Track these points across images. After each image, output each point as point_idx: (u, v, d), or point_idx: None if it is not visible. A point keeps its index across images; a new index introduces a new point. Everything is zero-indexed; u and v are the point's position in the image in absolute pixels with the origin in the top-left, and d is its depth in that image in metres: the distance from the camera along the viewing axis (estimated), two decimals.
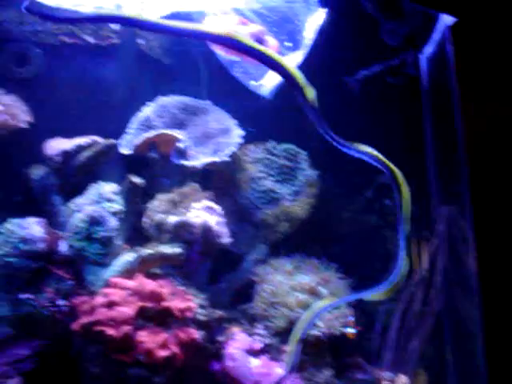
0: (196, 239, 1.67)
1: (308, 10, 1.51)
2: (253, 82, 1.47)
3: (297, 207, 1.90)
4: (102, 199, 1.67)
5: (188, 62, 1.90)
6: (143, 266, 1.61)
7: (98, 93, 1.83)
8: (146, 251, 1.62)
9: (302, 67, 1.47)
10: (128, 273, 1.58)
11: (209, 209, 1.71)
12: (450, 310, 1.79)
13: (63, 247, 1.60)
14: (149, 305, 1.51)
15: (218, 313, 1.68)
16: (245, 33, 1.38)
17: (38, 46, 1.79)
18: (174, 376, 1.50)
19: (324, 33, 1.52)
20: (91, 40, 1.81)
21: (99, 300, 1.49)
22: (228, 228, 1.74)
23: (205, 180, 1.84)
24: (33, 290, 1.51)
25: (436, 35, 1.76)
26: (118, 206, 1.68)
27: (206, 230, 1.66)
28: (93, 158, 1.74)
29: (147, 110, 1.84)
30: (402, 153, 1.91)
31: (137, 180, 1.72)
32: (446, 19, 1.67)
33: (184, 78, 1.96)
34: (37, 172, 1.73)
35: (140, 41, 1.89)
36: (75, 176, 1.74)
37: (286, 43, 1.48)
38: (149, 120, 1.82)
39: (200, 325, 1.59)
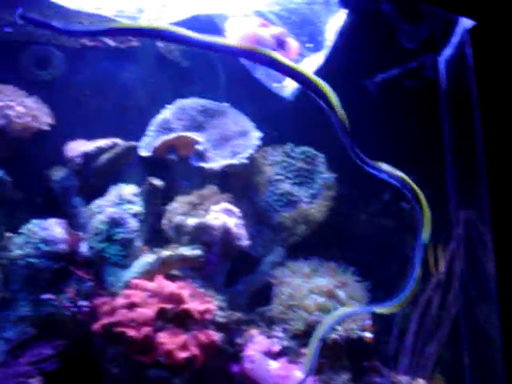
0: (215, 241, 1.67)
1: (328, 11, 1.50)
2: (275, 84, 1.47)
3: (314, 210, 1.90)
4: (122, 201, 1.67)
5: (206, 65, 1.91)
6: (163, 268, 1.61)
7: (117, 95, 1.85)
8: (166, 253, 1.63)
9: (323, 68, 1.48)
10: (148, 274, 1.59)
11: (228, 211, 1.71)
12: (468, 314, 1.78)
13: (84, 248, 1.61)
14: (168, 306, 1.51)
15: (237, 315, 1.67)
16: (266, 35, 1.37)
17: (59, 48, 1.81)
18: (194, 377, 1.50)
19: (344, 34, 1.52)
20: (111, 43, 1.83)
21: (120, 301, 1.50)
22: (246, 230, 1.74)
23: (223, 182, 1.84)
24: (54, 290, 1.52)
25: (455, 38, 1.76)
26: (137, 207, 1.69)
27: (225, 232, 1.67)
28: (113, 160, 1.75)
29: (166, 113, 1.85)
30: (420, 155, 1.91)
31: (156, 182, 1.72)
32: (465, 22, 1.67)
33: (202, 80, 1.97)
34: (58, 174, 1.74)
35: (159, 44, 1.90)
36: (96, 178, 1.76)
37: (308, 44, 1.47)
38: (168, 122, 1.83)
39: (219, 327, 1.59)
